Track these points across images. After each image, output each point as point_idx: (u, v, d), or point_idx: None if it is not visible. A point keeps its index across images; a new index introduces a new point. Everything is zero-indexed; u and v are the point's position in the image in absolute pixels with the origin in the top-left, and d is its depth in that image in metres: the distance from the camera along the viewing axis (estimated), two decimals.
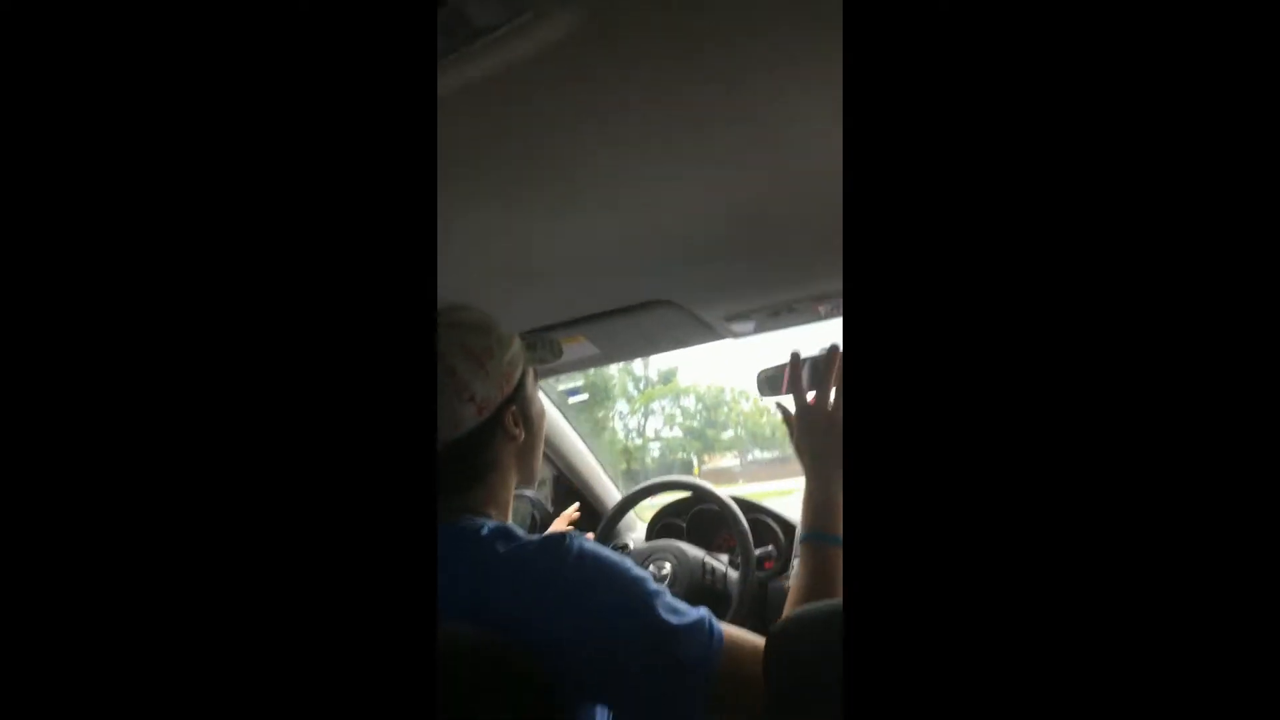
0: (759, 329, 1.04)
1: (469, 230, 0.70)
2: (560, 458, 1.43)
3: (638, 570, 0.54)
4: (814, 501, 0.65)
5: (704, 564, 1.13)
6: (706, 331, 1.02)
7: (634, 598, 0.51)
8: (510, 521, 0.62)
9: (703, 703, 0.50)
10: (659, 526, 1.43)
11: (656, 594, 0.52)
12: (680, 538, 1.29)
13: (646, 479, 1.34)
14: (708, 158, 0.59)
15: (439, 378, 0.57)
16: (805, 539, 0.64)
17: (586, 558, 0.53)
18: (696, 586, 1.10)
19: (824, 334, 1.10)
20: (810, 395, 0.70)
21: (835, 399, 0.68)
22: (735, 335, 1.05)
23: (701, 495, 1.25)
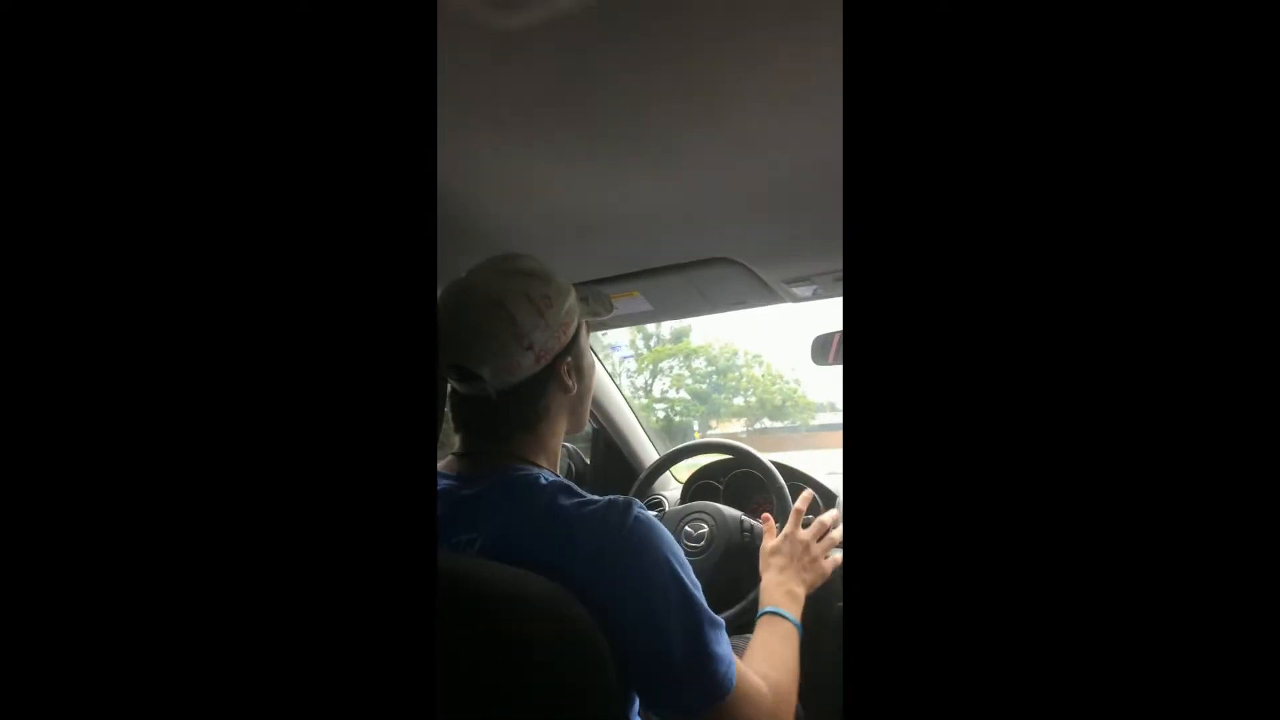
0: (819, 294, 1.00)
1: (526, 180, 0.68)
2: (602, 413, 1.43)
3: (683, 556, 0.55)
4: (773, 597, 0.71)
5: (741, 523, 1.12)
6: (765, 293, 0.99)
7: (684, 579, 0.54)
8: (557, 472, 0.62)
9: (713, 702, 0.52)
10: (695, 488, 1.43)
11: (697, 586, 0.55)
12: (716, 500, 1.28)
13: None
14: (777, 110, 0.56)
15: (497, 323, 0.57)
16: (767, 614, 0.69)
17: (646, 527, 0.53)
18: (734, 545, 1.10)
19: None
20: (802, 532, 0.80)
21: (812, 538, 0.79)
22: (795, 299, 1.01)
23: (743, 458, 1.23)
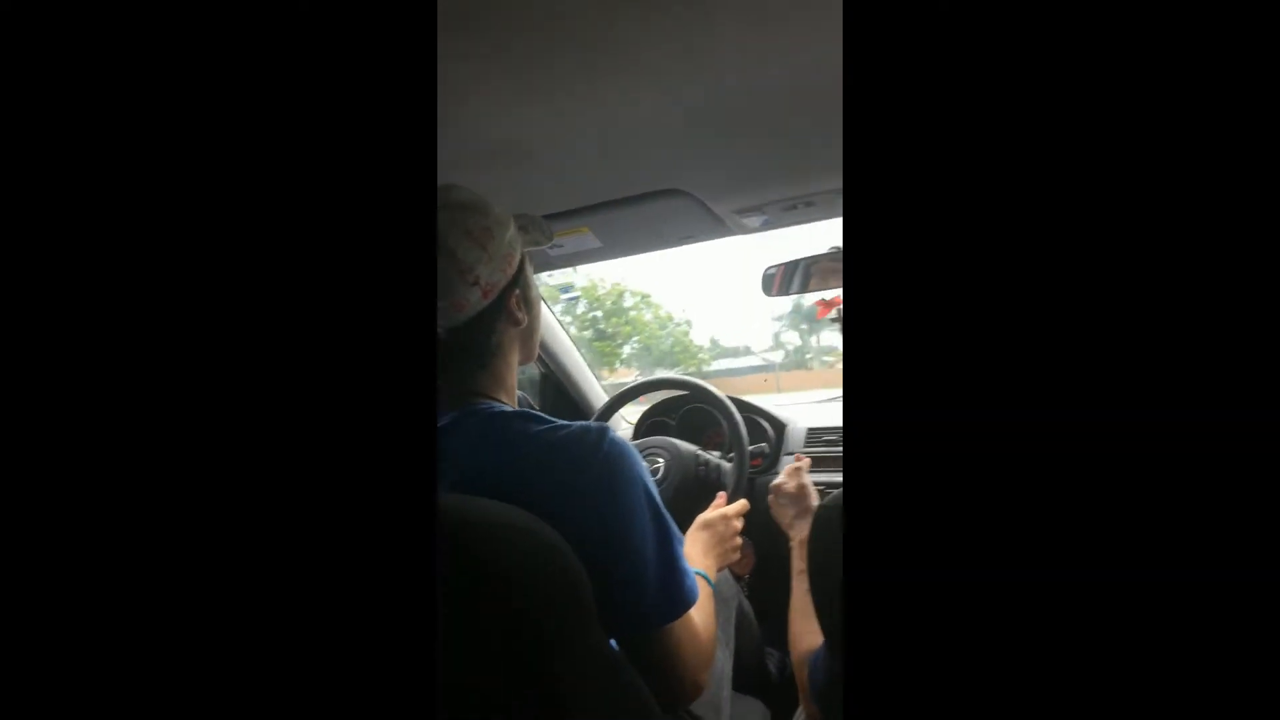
0: (769, 224, 1.00)
1: (469, 107, 0.63)
2: (550, 357, 1.41)
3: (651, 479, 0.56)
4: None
5: (697, 457, 1.15)
6: (715, 225, 0.98)
7: (655, 499, 0.55)
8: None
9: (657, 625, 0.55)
10: (647, 425, 1.44)
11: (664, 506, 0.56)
12: (669, 435, 1.31)
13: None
14: (724, 34, 0.53)
15: (439, 262, 0.54)
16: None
17: (621, 448, 0.54)
18: (690, 478, 1.12)
19: (839, 231, 1.07)
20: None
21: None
22: (744, 230, 1.01)
23: (697, 394, 1.25)
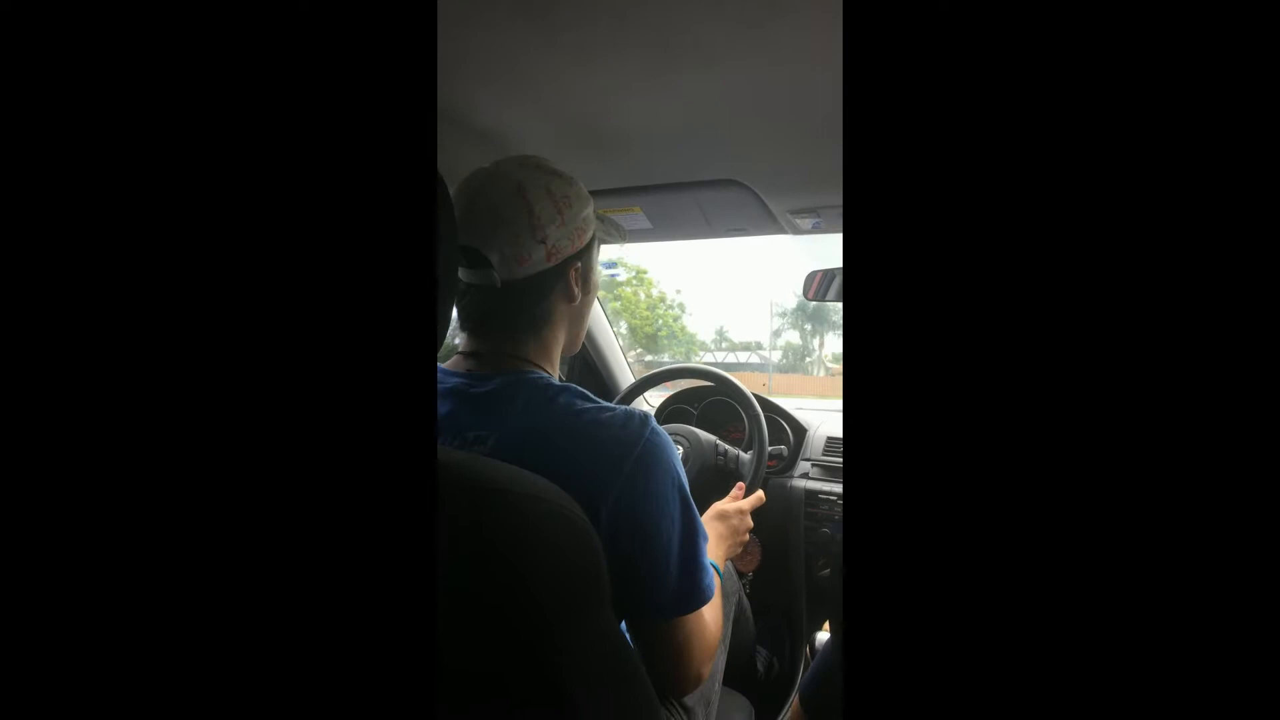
0: (820, 228, 0.99)
1: (528, 83, 0.64)
2: (587, 334, 1.42)
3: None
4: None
5: (717, 446, 1.15)
6: (768, 221, 0.97)
7: (686, 491, 0.56)
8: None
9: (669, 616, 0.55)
10: (669, 412, 1.45)
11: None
12: (690, 424, 1.31)
13: None
14: (796, 33, 0.53)
15: (514, 209, 0.56)
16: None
17: (661, 438, 0.54)
18: (708, 467, 1.13)
19: None
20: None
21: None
22: (796, 230, 1.00)
23: (721, 385, 1.25)
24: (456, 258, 0.55)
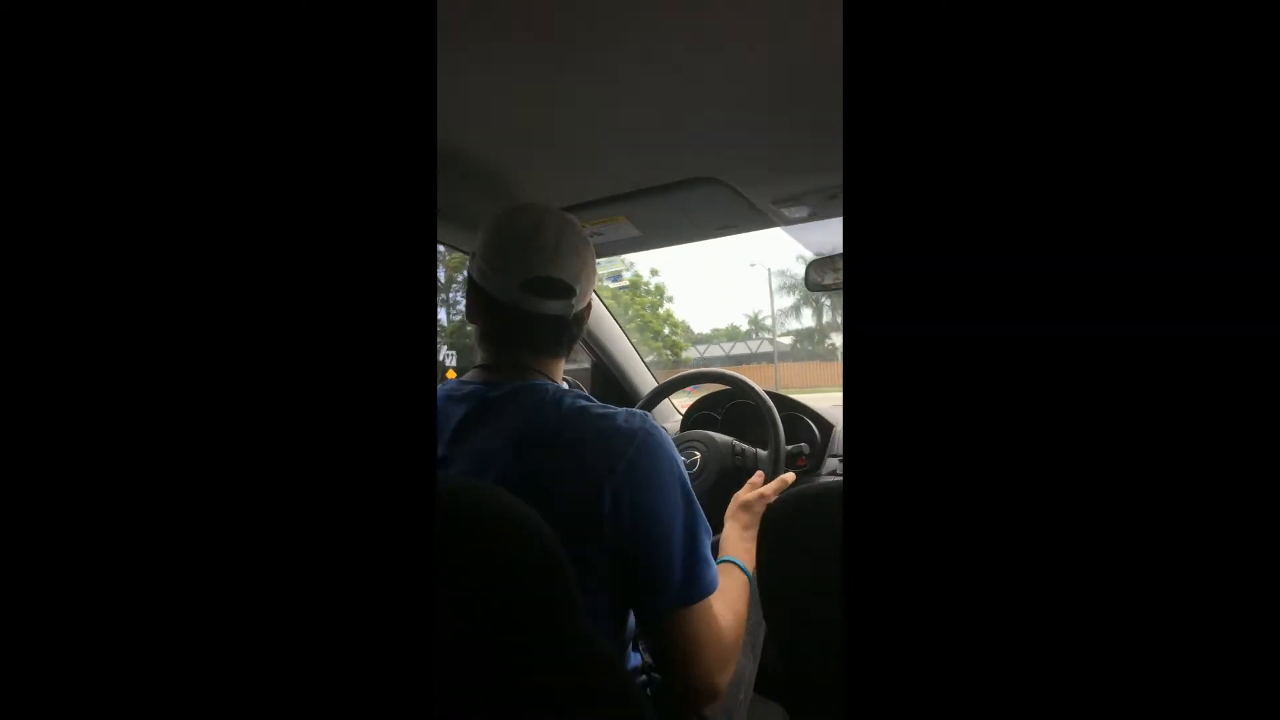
0: (814, 215, 0.96)
1: (506, 95, 0.65)
2: (598, 345, 1.42)
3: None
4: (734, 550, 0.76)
5: (733, 447, 1.13)
6: (754, 215, 0.95)
7: (688, 486, 0.59)
8: None
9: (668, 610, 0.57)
10: (694, 418, 1.43)
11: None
12: (714, 430, 1.29)
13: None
14: (760, 16, 0.52)
15: (588, 252, 0.65)
16: (726, 561, 0.74)
17: (660, 435, 0.58)
18: (726, 469, 1.10)
19: None
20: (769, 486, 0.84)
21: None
22: (786, 221, 0.97)
23: (739, 389, 1.22)
24: (535, 283, 0.62)
